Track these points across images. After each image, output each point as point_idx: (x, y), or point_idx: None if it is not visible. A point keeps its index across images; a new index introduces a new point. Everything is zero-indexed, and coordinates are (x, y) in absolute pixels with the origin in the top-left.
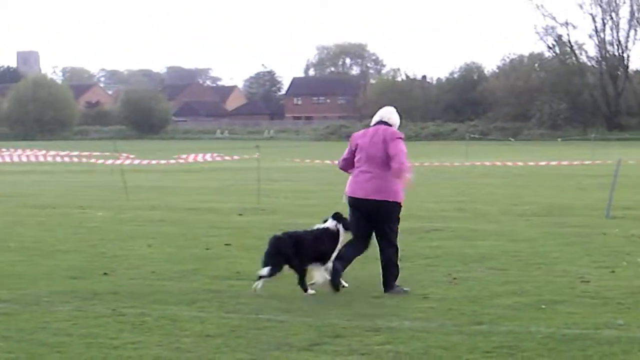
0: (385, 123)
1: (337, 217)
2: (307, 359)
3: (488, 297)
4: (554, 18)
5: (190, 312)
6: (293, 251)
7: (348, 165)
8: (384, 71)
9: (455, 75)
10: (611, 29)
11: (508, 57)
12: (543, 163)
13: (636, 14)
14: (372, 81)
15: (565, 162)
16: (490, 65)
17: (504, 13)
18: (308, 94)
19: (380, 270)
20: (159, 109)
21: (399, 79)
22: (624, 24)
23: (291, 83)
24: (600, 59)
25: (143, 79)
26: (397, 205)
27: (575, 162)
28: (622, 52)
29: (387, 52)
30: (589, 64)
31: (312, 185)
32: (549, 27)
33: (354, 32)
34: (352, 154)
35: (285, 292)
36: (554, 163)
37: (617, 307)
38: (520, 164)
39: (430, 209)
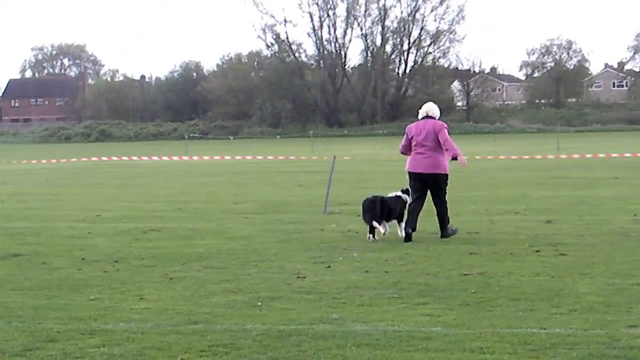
0: (431, 117)
1: (405, 191)
2: None
3: (204, 296)
4: (273, 16)
5: None
6: (380, 209)
7: (406, 149)
8: (102, 72)
9: (175, 75)
10: (329, 27)
11: (227, 56)
12: (261, 158)
13: (352, 12)
14: (91, 82)
15: (282, 157)
16: (210, 64)
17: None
18: (25, 95)
19: (437, 221)
20: None
21: (118, 79)
22: (341, 23)
23: (7, 85)
24: (318, 57)
25: None
26: (445, 176)
27: (292, 158)
28: (340, 50)
29: (106, 52)
30: (307, 62)
31: (31, 188)
32: (268, 25)
33: (71, 33)
34: (409, 141)
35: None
36: (271, 158)
37: (332, 301)
38: (239, 159)
39: (149, 209)
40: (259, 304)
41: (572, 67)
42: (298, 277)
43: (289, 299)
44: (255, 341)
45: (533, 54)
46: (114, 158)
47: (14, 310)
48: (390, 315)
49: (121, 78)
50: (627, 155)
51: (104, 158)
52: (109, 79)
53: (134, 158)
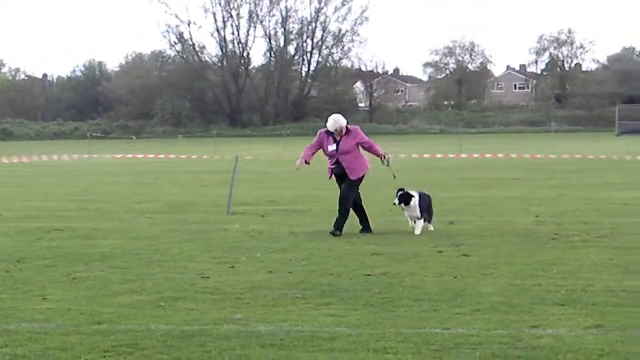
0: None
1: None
2: None
3: (108, 296)
4: (177, 16)
5: None
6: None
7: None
8: (3, 70)
9: (78, 74)
10: (232, 28)
11: (130, 55)
12: (164, 157)
13: (255, 13)
14: None
15: (184, 157)
16: (113, 63)
17: (128, 9)
18: None
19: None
20: None
21: (20, 78)
22: (244, 23)
23: None
24: (221, 57)
25: None
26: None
27: (195, 157)
28: (243, 50)
29: (7, 51)
30: (210, 62)
31: None
32: (172, 25)
33: None
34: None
35: None
36: (173, 157)
37: (237, 301)
38: (142, 158)
39: (52, 209)
40: (163, 304)
41: (474, 69)
42: (202, 277)
43: (193, 299)
44: (159, 341)
45: (436, 54)
46: (15, 160)
47: None
48: (294, 316)
49: (23, 77)
50: (526, 156)
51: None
52: (10, 77)
53: (34, 158)
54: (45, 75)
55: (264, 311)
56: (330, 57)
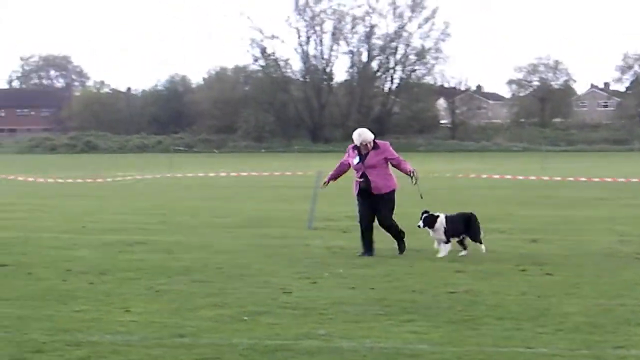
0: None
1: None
2: None
3: (190, 310)
4: (261, 31)
5: None
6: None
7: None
8: (88, 83)
9: (160, 87)
10: (315, 43)
11: (214, 70)
12: (246, 174)
13: (339, 29)
14: (77, 93)
15: (267, 174)
16: (196, 77)
17: (211, 24)
18: (11, 105)
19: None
20: None
21: (104, 91)
22: (327, 39)
23: None
24: (304, 72)
25: None
26: None
27: (277, 173)
28: (326, 66)
29: (92, 64)
30: (293, 77)
31: (15, 198)
32: (255, 40)
33: (57, 43)
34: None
35: None
36: (255, 174)
37: (319, 317)
38: (224, 175)
39: (133, 222)
40: (245, 318)
41: (558, 87)
42: (284, 292)
43: (275, 314)
44: (242, 355)
45: (520, 72)
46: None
47: (0, 320)
48: (377, 332)
49: (107, 90)
50: (609, 177)
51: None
52: (95, 90)
53: (117, 172)
54: (129, 89)
55: (346, 327)
56: (413, 73)
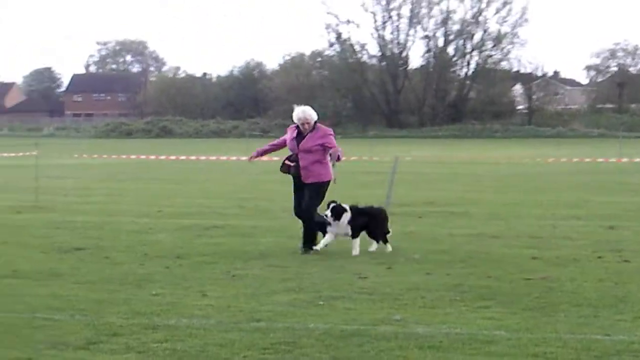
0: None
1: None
2: (83, 357)
3: (266, 294)
4: (336, 16)
5: None
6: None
7: None
8: (164, 69)
9: (236, 73)
10: (391, 28)
11: (289, 55)
12: None
13: (415, 14)
14: (153, 78)
15: (343, 159)
16: (271, 62)
17: (287, 10)
18: (88, 90)
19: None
20: None
21: (180, 76)
22: (404, 23)
23: (71, 79)
24: (380, 57)
25: None
26: None
27: (354, 158)
28: (402, 51)
29: (168, 49)
30: (370, 62)
31: (93, 182)
32: (331, 25)
33: (133, 29)
34: None
35: (63, 291)
36: None
37: (394, 302)
38: None
39: (210, 206)
40: (321, 303)
41: (636, 72)
42: (360, 278)
43: (351, 299)
44: (318, 340)
45: (597, 57)
46: (172, 157)
47: (77, 303)
48: (452, 318)
49: (183, 75)
50: None
51: (162, 157)
52: (170, 75)
53: (192, 158)
54: (204, 74)
55: (421, 312)
56: (489, 58)
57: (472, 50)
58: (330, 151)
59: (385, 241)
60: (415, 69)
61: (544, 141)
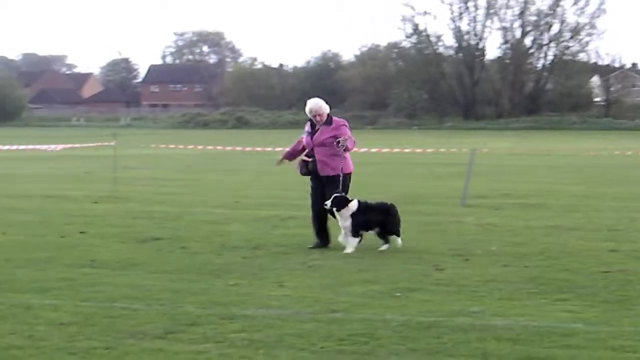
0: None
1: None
2: (161, 347)
3: (343, 285)
4: (413, 7)
5: (44, 300)
6: None
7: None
8: (241, 60)
9: (312, 64)
10: (468, 19)
11: (365, 46)
12: (398, 150)
13: (492, 4)
14: (229, 69)
15: (419, 150)
16: (347, 54)
17: (363, 1)
18: (165, 81)
19: None
20: (13, 96)
21: (256, 67)
22: (480, 14)
23: (148, 70)
24: (457, 48)
25: None
26: None
27: (430, 150)
28: (479, 42)
29: (244, 40)
30: (446, 53)
31: (169, 173)
32: (407, 16)
33: (210, 19)
34: None
35: (141, 280)
36: (407, 150)
37: (471, 294)
38: (375, 151)
39: (285, 197)
40: (398, 294)
41: None
42: (436, 269)
43: (428, 291)
44: (395, 332)
45: None
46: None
47: (155, 293)
48: (530, 310)
49: (259, 66)
50: None
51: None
52: (247, 66)
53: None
54: (281, 65)
55: (499, 305)
56: (566, 50)
57: (550, 41)
58: (339, 138)
59: (398, 234)
60: (492, 60)
61: (622, 134)
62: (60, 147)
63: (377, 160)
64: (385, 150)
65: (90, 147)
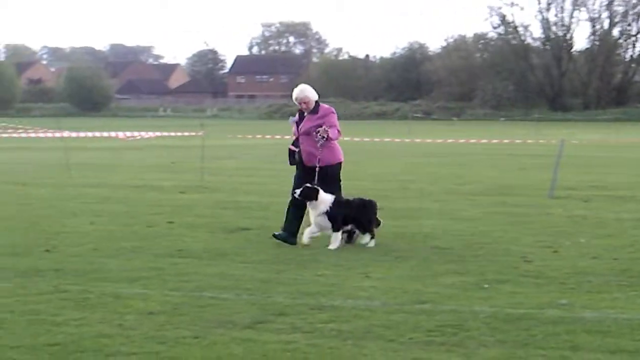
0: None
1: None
2: (250, 336)
3: (431, 276)
4: None
5: (133, 289)
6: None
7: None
8: (327, 50)
9: (398, 55)
10: (556, 10)
11: (452, 37)
12: (486, 141)
13: None
14: (315, 60)
15: (507, 141)
16: (434, 45)
17: None
18: (251, 72)
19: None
20: (101, 87)
21: (342, 58)
22: (568, 5)
23: (234, 61)
24: (544, 39)
25: (86, 57)
26: None
27: (518, 141)
28: (566, 33)
29: (330, 31)
30: (533, 44)
31: (256, 163)
32: (494, 7)
33: (297, 10)
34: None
35: (229, 270)
36: (495, 142)
37: (560, 287)
38: (463, 142)
39: (372, 188)
40: (486, 286)
41: None
42: (525, 261)
43: (517, 283)
44: (484, 323)
45: None
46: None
47: (243, 282)
48: (621, 303)
49: (345, 57)
50: None
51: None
52: (333, 57)
53: (356, 139)
54: (367, 56)
55: (588, 297)
56: None
57: (638, 32)
58: (319, 128)
59: (372, 233)
60: (580, 51)
61: None
62: (152, 134)
63: (463, 151)
64: (472, 141)
65: (180, 136)
